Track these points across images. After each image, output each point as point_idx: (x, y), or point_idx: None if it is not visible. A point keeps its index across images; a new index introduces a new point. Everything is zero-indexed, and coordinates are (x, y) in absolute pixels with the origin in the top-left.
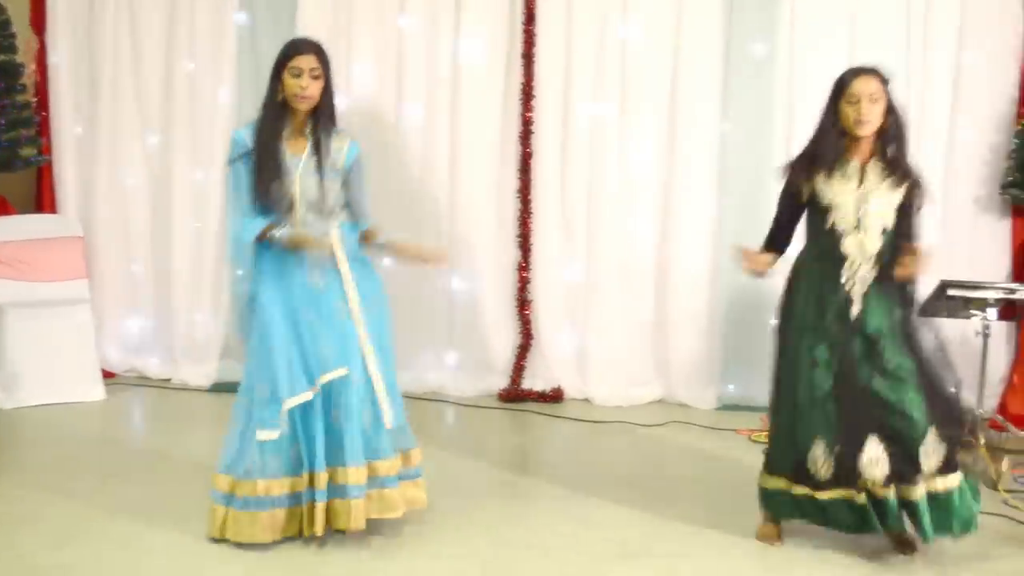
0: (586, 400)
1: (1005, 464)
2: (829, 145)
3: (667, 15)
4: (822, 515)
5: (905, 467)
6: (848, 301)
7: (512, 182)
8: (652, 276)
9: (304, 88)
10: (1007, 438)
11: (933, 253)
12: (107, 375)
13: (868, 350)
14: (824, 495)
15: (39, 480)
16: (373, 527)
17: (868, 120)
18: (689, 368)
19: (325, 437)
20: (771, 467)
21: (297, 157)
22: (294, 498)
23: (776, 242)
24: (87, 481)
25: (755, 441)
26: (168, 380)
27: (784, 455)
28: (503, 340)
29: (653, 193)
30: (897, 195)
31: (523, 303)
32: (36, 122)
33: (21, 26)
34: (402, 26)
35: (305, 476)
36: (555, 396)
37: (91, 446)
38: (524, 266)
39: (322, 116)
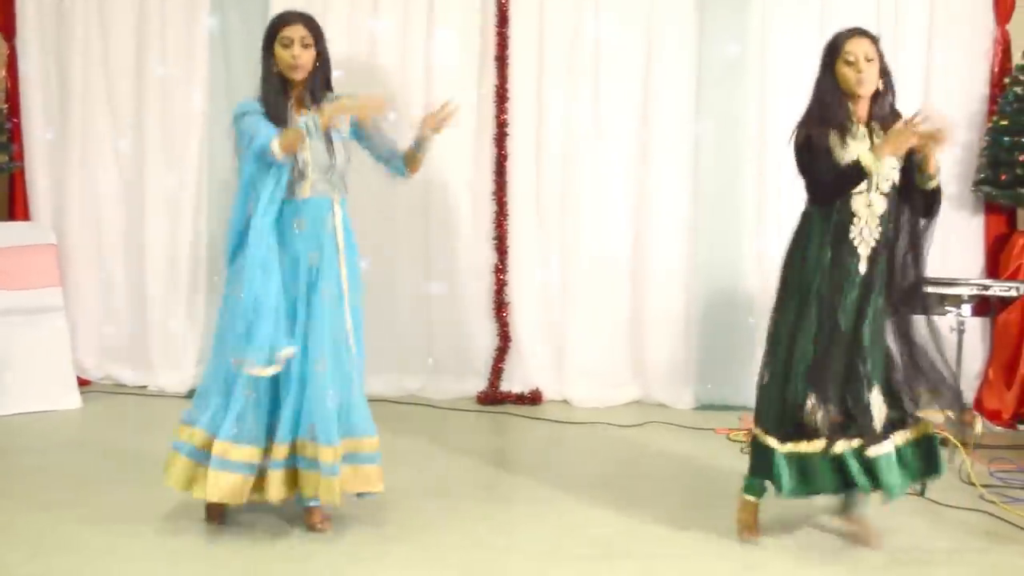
0: (564, 402)
1: (979, 425)
2: (835, 107)
3: (640, 16)
4: (809, 473)
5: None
6: (856, 258)
7: (487, 184)
8: (628, 277)
9: (296, 57)
10: (982, 434)
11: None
12: (83, 383)
13: (869, 309)
14: (815, 447)
15: (14, 489)
16: (350, 526)
17: (868, 79)
18: (666, 368)
19: (298, 409)
20: (763, 422)
21: (305, 117)
22: (250, 467)
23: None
24: (63, 490)
25: (733, 440)
26: (144, 387)
27: (774, 408)
28: (480, 343)
29: (628, 194)
30: (899, 156)
31: (500, 305)
32: (7, 128)
33: None
34: (374, 29)
35: (266, 446)
36: (533, 398)
37: (67, 454)
38: (500, 268)
39: (317, 84)
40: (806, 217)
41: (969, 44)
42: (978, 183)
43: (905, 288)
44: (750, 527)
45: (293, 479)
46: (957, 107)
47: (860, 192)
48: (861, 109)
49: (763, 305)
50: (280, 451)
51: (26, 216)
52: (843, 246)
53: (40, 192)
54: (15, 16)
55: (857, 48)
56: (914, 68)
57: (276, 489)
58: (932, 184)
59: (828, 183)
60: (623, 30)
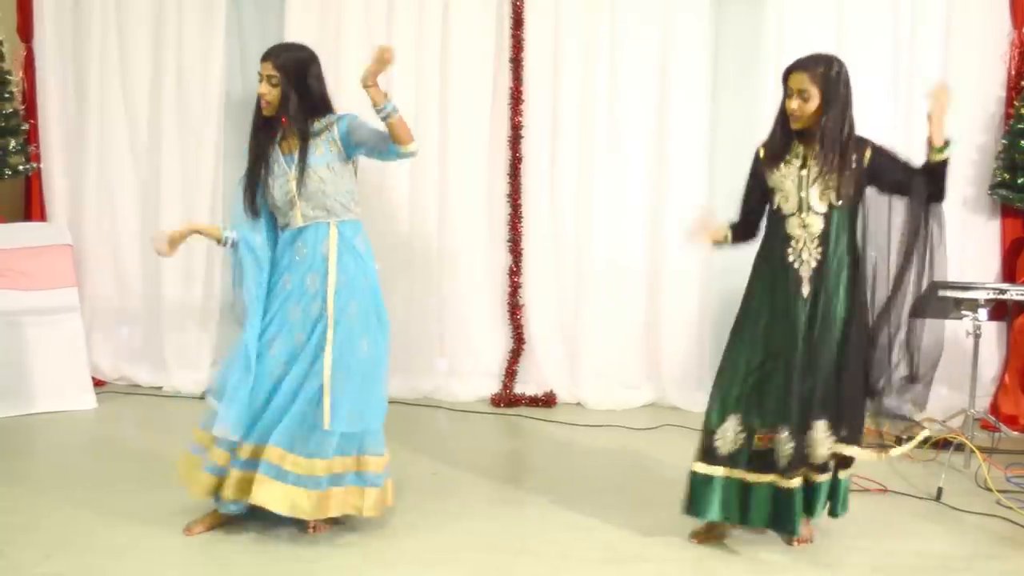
0: (578, 404)
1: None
2: (776, 133)
3: (655, 17)
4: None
5: (797, 456)
6: (798, 281)
7: (502, 187)
8: (643, 279)
9: (262, 94)
10: (999, 438)
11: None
12: (98, 383)
13: (813, 332)
14: (720, 471)
15: (31, 489)
16: (362, 527)
17: (798, 116)
18: (681, 371)
19: (279, 420)
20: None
21: (291, 155)
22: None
23: (740, 225)
24: (79, 490)
25: None
26: (159, 388)
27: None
28: (495, 345)
29: (642, 196)
30: (850, 174)
31: (514, 308)
32: (24, 130)
33: (8, 34)
34: (390, 32)
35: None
36: (547, 400)
37: (83, 454)
38: (515, 270)
39: (296, 115)
40: (763, 238)
41: (985, 47)
42: (995, 186)
43: (920, 295)
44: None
45: (248, 483)
46: (973, 110)
47: (791, 214)
48: (800, 133)
49: None
50: (245, 451)
51: (43, 217)
52: (785, 269)
53: (56, 193)
54: (32, 18)
55: (793, 83)
56: (930, 70)
57: (232, 489)
58: (945, 155)
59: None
60: (638, 32)
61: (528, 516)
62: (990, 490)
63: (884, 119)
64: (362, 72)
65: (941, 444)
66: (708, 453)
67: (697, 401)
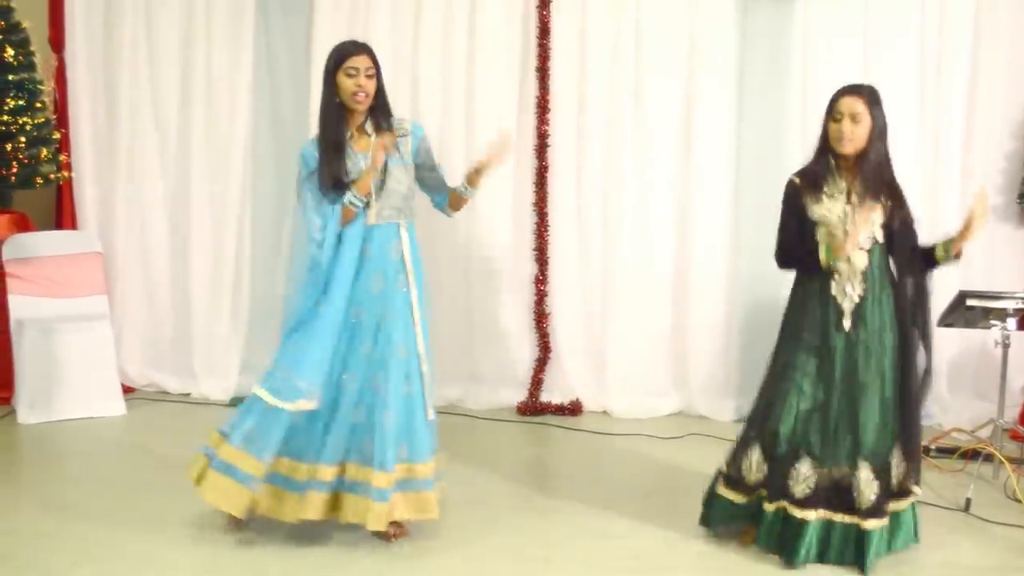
0: (604, 413)
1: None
2: (820, 163)
3: (681, 28)
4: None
5: (843, 493)
6: (840, 314)
7: (528, 195)
8: (669, 288)
9: (361, 87)
10: None
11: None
12: (127, 390)
13: (855, 367)
14: (741, 498)
15: (60, 496)
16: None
17: (849, 139)
18: (707, 380)
19: (352, 433)
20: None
21: (364, 153)
22: (277, 479)
23: (795, 251)
24: (108, 496)
25: None
26: (188, 394)
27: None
28: (521, 353)
29: (669, 204)
30: (879, 214)
31: (541, 316)
32: (56, 140)
33: (40, 44)
34: (416, 41)
35: (305, 466)
36: (573, 409)
37: (111, 461)
38: (541, 279)
39: (379, 112)
40: (796, 276)
41: (1014, 52)
42: (1023, 195)
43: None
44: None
45: (335, 502)
46: (1002, 117)
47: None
48: (848, 164)
49: None
50: (327, 473)
51: (73, 225)
52: (826, 303)
53: (88, 201)
54: (64, 29)
55: (845, 107)
56: (959, 76)
57: (314, 509)
58: (951, 263)
59: (781, 257)
60: (664, 40)
61: (555, 524)
62: (1019, 501)
63: (911, 125)
64: (484, 163)
65: (970, 455)
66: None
67: (724, 410)
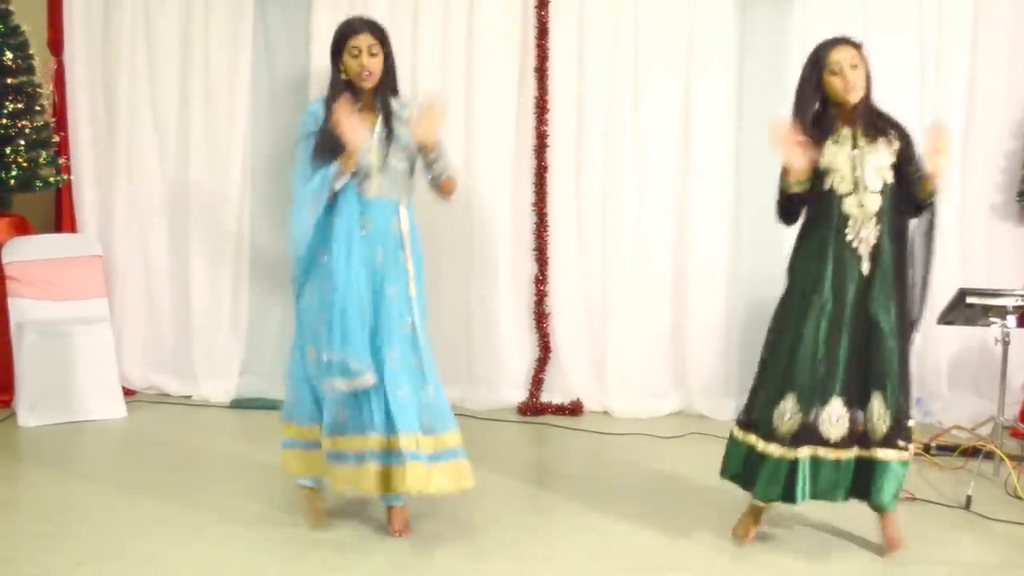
0: (605, 412)
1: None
2: (815, 116)
3: (680, 27)
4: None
5: (857, 430)
6: (857, 258)
7: (527, 195)
8: (669, 287)
9: (364, 66)
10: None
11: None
12: (127, 392)
13: (871, 310)
14: (773, 450)
15: (61, 497)
16: (390, 536)
17: (856, 84)
18: (708, 380)
19: (382, 405)
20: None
21: (368, 130)
22: (337, 455)
23: (788, 213)
24: (109, 498)
25: None
26: (188, 397)
27: (751, 404)
28: (521, 353)
29: (668, 204)
30: (890, 153)
31: (540, 316)
32: (55, 142)
33: (39, 47)
34: (415, 41)
35: (356, 437)
36: (574, 409)
37: (113, 463)
38: (541, 279)
39: (385, 89)
40: (806, 220)
41: (1013, 52)
42: (1023, 193)
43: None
44: (747, 529)
45: (386, 476)
46: (1001, 114)
47: (849, 194)
48: (846, 114)
49: None
50: (374, 441)
51: (73, 228)
52: (843, 248)
53: (87, 204)
54: (63, 32)
55: (842, 56)
56: (957, 75)
57: (370, 482)
58: (932, 199)
59: (781, 210)
60: (663, 40)
61: (556, 524)
62: (1020, 498)
63: (910, 123)
64: (420, 132)
65: (970, 452)
66: (754, 425)
67: (724, 409)
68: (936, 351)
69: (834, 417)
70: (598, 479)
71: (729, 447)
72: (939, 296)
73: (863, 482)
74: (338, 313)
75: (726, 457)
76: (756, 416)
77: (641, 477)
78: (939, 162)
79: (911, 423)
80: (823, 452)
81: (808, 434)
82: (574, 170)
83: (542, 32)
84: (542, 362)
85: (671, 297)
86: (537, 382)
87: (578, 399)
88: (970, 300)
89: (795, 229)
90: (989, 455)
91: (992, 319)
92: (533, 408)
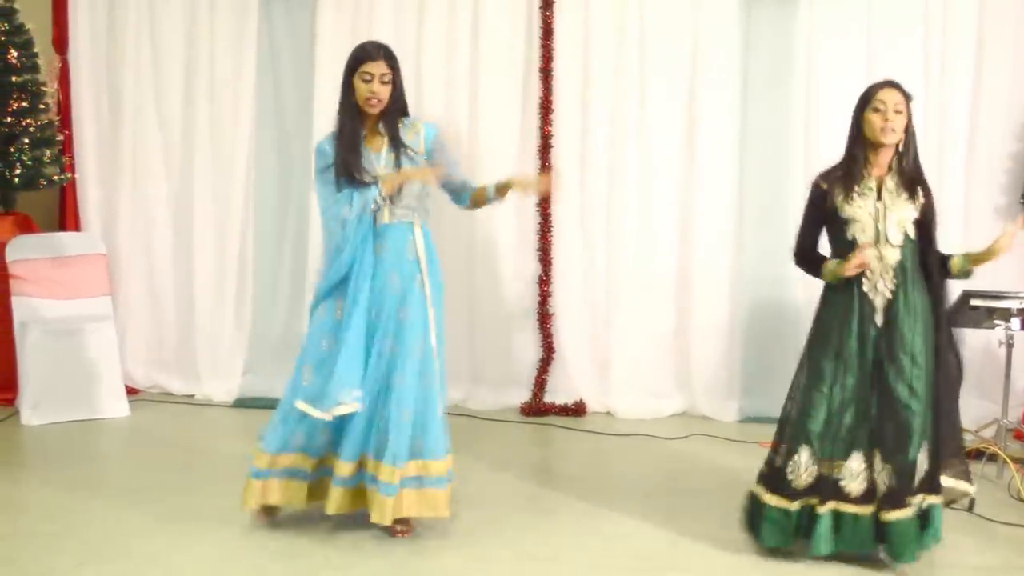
0: (608, 413)
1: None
2: (853, 158)
3: (684, 29)
4: (788, 527)
5: (897, 486)
6: (872, 311)
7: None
8: (673, 288)
9: (375, 93)
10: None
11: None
12: (131, 391)
13: (888, 363)
14: (794, 505)
15: (65, 497)
16: (393, 537)
17: (894, 129)
18: (711, 380)
19: (368, 428)
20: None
21: (377, 154)
22: (310, 474)
23: (811, 257)
24: (112, 498)
25: None
26: (192, 396)
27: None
28: (524, 354)
29: (672, 205)
30: (913, 209)
31: (544, 316)
32: (59, 141)
33: (44, 46)
34: (419, 41)
35: (330, 458)
36: (577, 409)
37: (116, 463)
38: (544, 279)
39: (391, 114)
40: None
41: (1018, 54)
42: None
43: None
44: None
45: (359, 496)
46: (1006, 117)
47: (870, 244)
48: (881, 160)
49: (808, 317)
50: (345, 468)
51: (77, 227)
52: (859, 299)
53: (91, 203)
54: (67, 31)
55: (888, 97)
56: (962, 78)
57: (336, 504)
58: (963, 277)
59: (798, 258)
60: (667, 42)
61: (559, 524)
62: (1023, 500)
63: (915, 125)
64: (521, 185)
65: (973, 454)
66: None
67: (727, 410)
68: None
69: (854, 472)
70: (601, 480)
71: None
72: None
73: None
74: (330, 336)
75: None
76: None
77: (644, 478)
78: (1000, 250)
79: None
80: (844, 507)
81: (828, 488)
82: (578, 170)
83: (547, 32)
84: (545, 363)
85: (674, 298)
86: (540, 383)
87: (581, 400)
88: (974, 302)
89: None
90: (992, 457)
91: (996, 321)
92: (536, 409)
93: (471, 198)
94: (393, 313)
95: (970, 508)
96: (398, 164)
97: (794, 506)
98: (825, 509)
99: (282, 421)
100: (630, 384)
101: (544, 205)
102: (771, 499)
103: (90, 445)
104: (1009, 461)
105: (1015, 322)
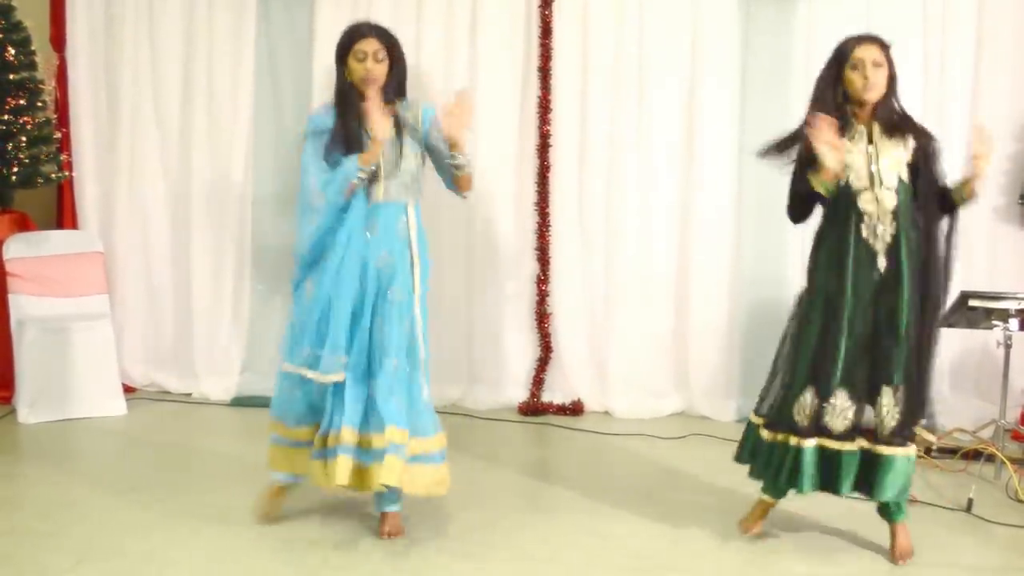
0: (606, 413)
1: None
2: (836, 112)
3: (683, 28)
4: (784, 462)
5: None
6: (872, 255)
7: (530, 195)
8: (671, 288)
9: (369, 71)
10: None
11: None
12: (128, 390)
13: (890, 304)
14: (794, 441)
15: (61, 495)
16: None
17: (875, 83)
18: (709, 380)
19: (356, 404)
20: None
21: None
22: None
23: (804, 206)
24: (109, 495)
25: None
26: (189, 394)
27: (771, 397)
28: (522, 353)
29: (671, 205)
30: (905, 151)
31: (542, 316)
32: (56, 139)
33: (41, 44)
34: (418, 40)
35: (331, 431)
36: (575, 409)
37: (112, 461)
38: (543, 279)
39: (392, 93)
40: (824, 218)
41: (1017, 54)
42: None
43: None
44: (753, 522)
45: (359, 474)
46: (1005, 117)
47: (864, 189)
48: (864, 112)
49: None
50: (349, 436)
51: (74, 224)
52: (859, 245)
53: (88, 201)
54: (65, 29)
55: (865, 54)
56: (961, 77)
57: (343, 472)
58: (969, 202)
59: (793, 209)
60: (666, 41)
61: (556, 524)
62: (1021, 501)
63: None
64: (448, 125)
65: (971, 455)
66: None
67: (725, 411)
68: (938, 354)
69: (838, 409)
70: (599, 480)
71: (747, 434)
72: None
73: (867, 477)
74: (324, 308)
75: (743, 442)
76: (774, 407)
77: (642, 478)
78: (980, 167)
79: (922, 422)
80: (827, 443)
81: (815, 425)
82: (577, 170)
83: (546, 31)
84: (543, 362)
85: (673, 297)
86: (538, 382)
87: (579, 399)
88: (972, 303)
89: (797, 228)
90: (991, 458)
91: (994, 322)
92: (534, 408)
93: (452, 179)
94: (382, 290)
95: (968, 509)
96: (398, 140)
97: (800, 444)
98: (809, 445)
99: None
100: (628, 384)
101: (543, 205)
102: (786, 438)
103: (86, 443)
104: (1007, 462)
105: (1013, 323)
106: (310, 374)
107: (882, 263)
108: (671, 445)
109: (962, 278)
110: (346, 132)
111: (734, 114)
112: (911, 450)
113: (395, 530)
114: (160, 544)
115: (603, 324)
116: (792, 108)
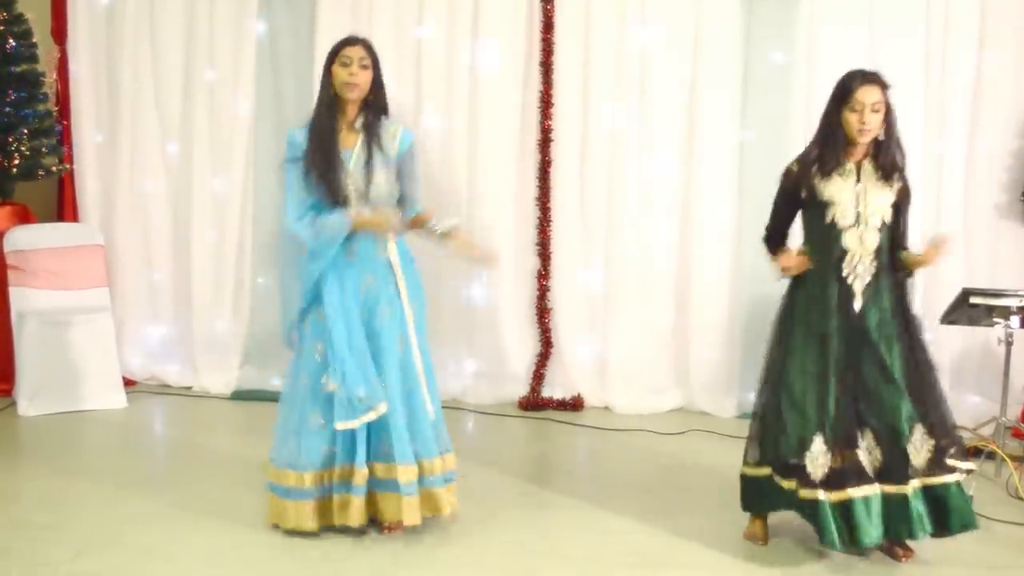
0: (606, 408)
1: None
2: (833, 148)
3: (685, 22)
4: (809, 514)
5: (894, 465)
6: (850, 295)
7: (531, 190)
8: (672, 284)
9: (353, 75)
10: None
11: (948, 244)
12: (128, 383)
13: (868, 346)
14: (815, 495)
15: (61, 488)
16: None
17: (870, 129)
18: (709, 376)
19: (370, 434)
20: (755, 459)
21: (349, 150)
22: (323, 490)
23: (777, 242)
24: (109, 489)
25: None
26: (189, 388)
27: (772, 447)
28: (522, 348)
29: (672, 201)
30: (891, 192)
31: (543, 311)
32: (57, 131)
33: (42, 36)
34: (420, 36)
35: (338, 469)
36: (575, 404)
37: (113, 454)
38: (543, 274)
39: (372, 108)
40: (806, 244)
41: (1020, 50)
42: None
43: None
44: (758, 538)
45: (371, 503)
46: (1007, 114)
47: (850, 227)
48: (856, 150)
49: None
50: (360, 476)
51: (75, 217)
52: (838, 282)
53: (89, 194)
54: (66, 21)
55: (865, 97)
56: (964, 74)
57: (358, 514)
58: (910, 276)
59: (769, 241)
60: (668, 36)
61: (556, 519)
62: (1021, 499)
63: (916, 122)
64: (458, 249)
65: (972, 452)
66: (790, 472)
67: (725, 406)
68: (939, 351)
69: (815, 455)
70: (598, 475)
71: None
72: (942, 296)
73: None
74: (337, 344)
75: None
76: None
77: (642, 473)
78: (929, 261)
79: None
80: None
81: (850, 474)
82: (578, 165)
83: (547, 26)
84: (543, 357)
85: (673, 293)
86: (538, 377)
87: (579, 394)
88: (974, 300)
89: (797, 225)
90: (991, 455)
91: (996, 319)
92: (534, 403)
93: (412, 219)
94: (371, 311)
95: None
96: (369, 164)
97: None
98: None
99: (296, 433)
100: (628, 379)
101: (544, 200)
102: (814, 493)
103: (86, 436)
104: (1008, 459)
105: (1014, 320)
106: (349, 424)
107: (856, 305)
108: (671, 440)
109: (963, 275)
110: (320, 156)
111: (735, 109)
112: (904, 487)
113: (395, 524)
114: (160, 536)
115: (603, 320)
116: (793, 106)
